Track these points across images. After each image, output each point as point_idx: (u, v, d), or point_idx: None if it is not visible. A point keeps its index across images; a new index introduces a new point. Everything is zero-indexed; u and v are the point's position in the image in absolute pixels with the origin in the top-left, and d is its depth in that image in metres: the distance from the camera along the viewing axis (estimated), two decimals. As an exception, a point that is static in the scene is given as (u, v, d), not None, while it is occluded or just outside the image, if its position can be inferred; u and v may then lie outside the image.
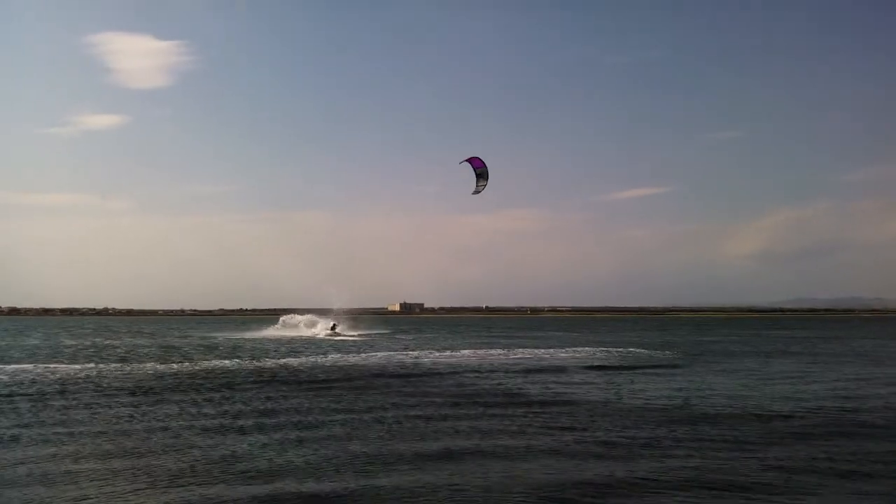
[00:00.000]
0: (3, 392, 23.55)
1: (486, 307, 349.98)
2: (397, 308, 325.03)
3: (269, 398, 22.26)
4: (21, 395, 22.99)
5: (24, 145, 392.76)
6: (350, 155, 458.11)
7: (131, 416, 18.58)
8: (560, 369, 33.29)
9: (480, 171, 28.21)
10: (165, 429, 16.65)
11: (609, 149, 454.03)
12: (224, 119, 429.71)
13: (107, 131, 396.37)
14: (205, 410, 19.61)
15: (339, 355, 42.23)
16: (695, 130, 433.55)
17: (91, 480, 11.82)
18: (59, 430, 16.55)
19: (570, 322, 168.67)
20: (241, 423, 17.55)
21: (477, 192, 28.24)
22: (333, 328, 74.14)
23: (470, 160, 28.17)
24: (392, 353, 45.06)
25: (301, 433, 16.13)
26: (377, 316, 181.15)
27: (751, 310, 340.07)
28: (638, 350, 49.36)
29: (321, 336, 69.45)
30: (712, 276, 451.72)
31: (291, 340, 61.43)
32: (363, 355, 42.31)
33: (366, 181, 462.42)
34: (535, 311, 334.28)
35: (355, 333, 74.14)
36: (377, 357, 40.96)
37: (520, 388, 25.11)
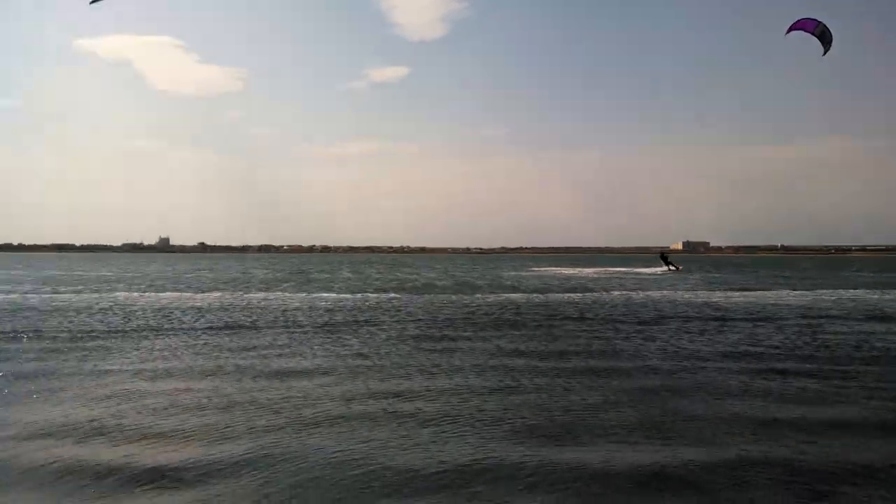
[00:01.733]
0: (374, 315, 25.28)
1: (782, 246, 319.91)
2: (680, 247, 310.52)
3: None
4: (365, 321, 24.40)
5: (329, 101, 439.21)
6: (618, 94, 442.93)
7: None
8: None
9: (818, 30, 21.68)
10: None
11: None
12: (497, 63, 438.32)
13: (391, 83, 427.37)
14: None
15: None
16: None
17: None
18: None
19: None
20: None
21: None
22: (670, 265, 76.42)
23: (798, 24, 21.85)
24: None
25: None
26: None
27: None
28: None
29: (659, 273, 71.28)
30: None
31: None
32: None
33: (635, 117, 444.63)
34: (840, 250, 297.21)
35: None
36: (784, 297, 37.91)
37: None
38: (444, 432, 10.05)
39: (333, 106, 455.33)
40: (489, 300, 34.91)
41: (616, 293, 40.21)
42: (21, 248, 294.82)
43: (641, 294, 39.27)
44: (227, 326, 22.79)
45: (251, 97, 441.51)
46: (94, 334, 20.74)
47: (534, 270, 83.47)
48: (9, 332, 21.04)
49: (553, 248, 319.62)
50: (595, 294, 39.70)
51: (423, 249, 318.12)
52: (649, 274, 69.23)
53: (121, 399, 12.12)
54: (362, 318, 25.40)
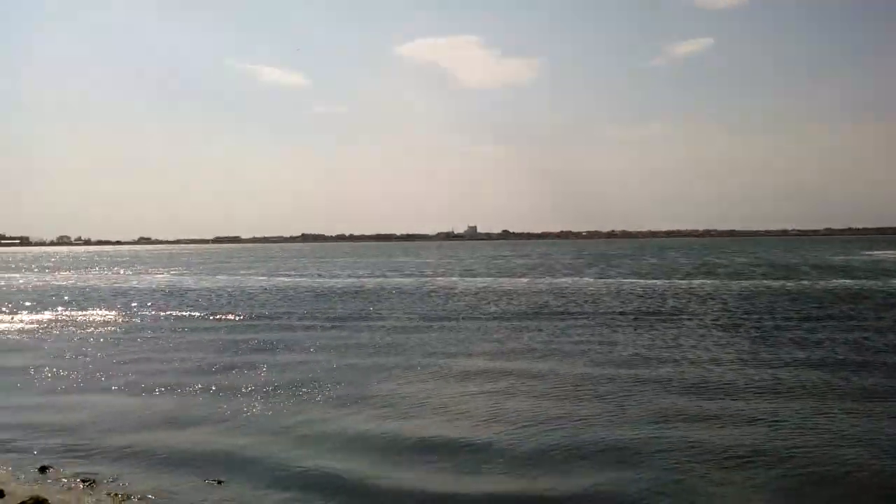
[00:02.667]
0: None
1: None
2: None
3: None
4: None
5: (628, 81, 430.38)
6: None
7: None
8: None
9: None
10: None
11: None
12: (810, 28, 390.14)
13: (694, 56, 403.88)
14: None
15: None
16: None
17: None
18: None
19: None
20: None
21: None
22: None
23: None
24: None
25: None
26: None
27: None
28: None
29: None
30: None
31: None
32: None
33: None
34: None
35: None
36: None
37: None
38: None
39: (632, 86, 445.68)
40: (820, 286, 31.56)
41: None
42: (351, 238, 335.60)
43: None
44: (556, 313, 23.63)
45: (549, 85, 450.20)
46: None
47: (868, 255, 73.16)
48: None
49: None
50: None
51: (731, 233, 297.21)
52: None
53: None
54: (669, 306, 24.62)
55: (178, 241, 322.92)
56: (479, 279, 41.71)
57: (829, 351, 15.07)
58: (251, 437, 9.22)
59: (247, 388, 12.22)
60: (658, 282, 36.89)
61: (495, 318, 21.67)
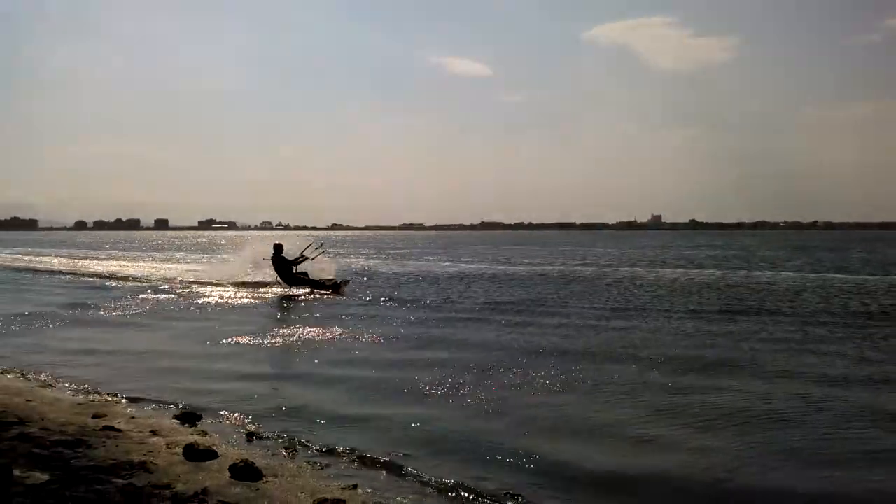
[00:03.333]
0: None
1: None
2: None
3: None
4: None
5: (834, 59, 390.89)
6: None
7: None
8: None
9: None
10: None
11: None
12: None
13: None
14: None
15: None
16: None
17: None
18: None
19: None
20: None
21: None
22: None
23: None
24: None
25: None
26: None
27: None
28: None
29: None
30: None
31: None
32: None
33: None
34: None
35: None
36: None
37: None
38: None
39: (839, 65, 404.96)
40: None
41: None
42: (530, 226, 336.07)
43: None
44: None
45: (748, 66, 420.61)
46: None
47: None
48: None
49: None
50: None
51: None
52: None
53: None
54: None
55: (367, 228, 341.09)
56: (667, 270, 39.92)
57: None
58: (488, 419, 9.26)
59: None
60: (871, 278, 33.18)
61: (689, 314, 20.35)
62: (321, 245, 28.42)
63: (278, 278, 26.97)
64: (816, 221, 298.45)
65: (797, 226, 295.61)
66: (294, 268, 26.71)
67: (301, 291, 26.16)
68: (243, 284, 28.87)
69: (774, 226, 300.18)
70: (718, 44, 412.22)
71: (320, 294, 25.60)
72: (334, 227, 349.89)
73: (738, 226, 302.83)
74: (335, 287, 26.32)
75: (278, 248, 26.98)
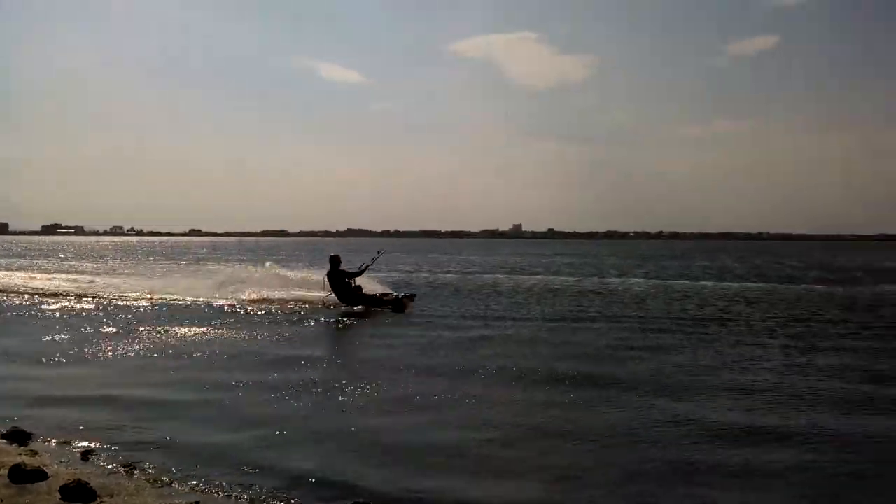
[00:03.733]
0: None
1: None
2: None
3: None
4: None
5: (686, 80, 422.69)
6: None
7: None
8: None
9: None
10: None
11: None
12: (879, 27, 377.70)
13: (758, 55, 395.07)
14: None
15: None
16: None
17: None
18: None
19: None
20: None
21: None
22: None
23: None
24: None
25: None
26: None
27: None
28: None
29: None
30: None
31: None
32: None
33: None
34: None
35: None
36: None
37: None
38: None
39: (690, 85, 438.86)
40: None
41: None
42: (396, 234, 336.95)
43: None
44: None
45: (605, 83, 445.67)
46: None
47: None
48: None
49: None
50: None
51: (786, 237, 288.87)
52: None
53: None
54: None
55: (227, 234, 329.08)
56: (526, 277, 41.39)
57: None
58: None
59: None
60: (709, 284, 36.06)
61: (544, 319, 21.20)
62: (379, 252, 25.23)
63: (332, 295, 23.63)
64: (662, 231, 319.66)
65: (645, 235, 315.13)
66: (352, 282, 23.85)
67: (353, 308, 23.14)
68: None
69: (624, 235, 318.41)
70: (579, 61, 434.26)
71: (380, 311, 22.65)
72: (192, 232, 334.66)
73: (592, 235, 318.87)
74: (397, 303, 22.97)
75: (335, 261, 23.98)
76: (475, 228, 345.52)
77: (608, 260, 71.05)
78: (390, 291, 24.69)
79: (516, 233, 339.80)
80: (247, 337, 16.90)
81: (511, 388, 11.59)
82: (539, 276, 41.86)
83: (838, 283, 36.66)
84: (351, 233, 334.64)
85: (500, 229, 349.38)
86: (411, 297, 24.11)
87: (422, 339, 16.81)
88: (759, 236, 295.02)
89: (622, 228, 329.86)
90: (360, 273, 24.13)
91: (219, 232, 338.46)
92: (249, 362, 13.67)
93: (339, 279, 23.69)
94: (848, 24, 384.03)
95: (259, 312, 21.97)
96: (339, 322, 20.52)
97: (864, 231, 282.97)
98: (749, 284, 35.79)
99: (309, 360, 13.94)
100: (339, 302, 23.55)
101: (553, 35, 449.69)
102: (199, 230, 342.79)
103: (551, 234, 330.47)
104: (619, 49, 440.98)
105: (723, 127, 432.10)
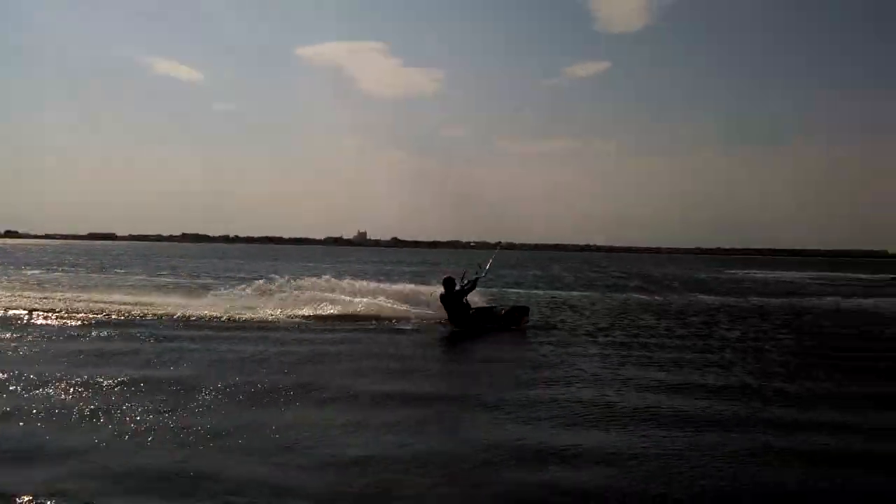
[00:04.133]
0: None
1: None
2: None
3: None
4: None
5: (526, 99, 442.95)
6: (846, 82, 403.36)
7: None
8: None
9: None
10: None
11: None
12: (701, 54, 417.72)
13: (592, 78, 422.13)
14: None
15: None
16: None
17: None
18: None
19: None
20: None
21: None
22: None
23: None
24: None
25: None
26: None
27: None
28: None
29: None
30: None
31: None
32: None
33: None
34: None
35: None
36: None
37: None
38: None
39: (529, 104, 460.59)
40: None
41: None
42: (236, 239, 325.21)
43: None
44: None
45: (448, 98, 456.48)
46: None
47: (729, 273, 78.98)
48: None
49: (760, 249, 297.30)
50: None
51: (611, 249, 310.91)
52: None
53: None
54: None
55: (48, 237, 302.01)
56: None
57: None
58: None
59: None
60: (541, 292, 38.35)
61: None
62: (484, 264, 23.41)
63: (447, 319, 21.59)
64: (500, 242, 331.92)
65: (484, 245, 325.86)
66: (465, 300, 21.73)
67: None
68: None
69: (466, 245, 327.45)
70: (427, 75, 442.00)
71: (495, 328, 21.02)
72: (8, 234, 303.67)
73: (435, 244, 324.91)
74: (510, 319, 21.55)
75: (449, 283, 21.67)
76: (319, 235, 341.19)
77: (449, 268, 72.97)
78: (494, 304, 24.04)
79: (361, 240, 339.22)
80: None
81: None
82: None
83: (656, 293, 40.35)
84: (186, 237, 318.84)
85: (345, 237, 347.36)
86: (525, 311, 22.44)
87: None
88: (586, 248, 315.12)
89: (464, 238, 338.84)
90: (472, 289, 22.19)
91: (39, 234, 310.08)
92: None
93: (455, 302, 21.53)
94: (680, 52, 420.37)
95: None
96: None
97: (681, 245, 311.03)
98: (575, 293, 38.49)
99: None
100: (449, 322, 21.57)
101: (396, 47, 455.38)
102: (16, 232, 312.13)
103: (395, 243, 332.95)
104: (464, 65, 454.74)
105: (558, 144, 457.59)
